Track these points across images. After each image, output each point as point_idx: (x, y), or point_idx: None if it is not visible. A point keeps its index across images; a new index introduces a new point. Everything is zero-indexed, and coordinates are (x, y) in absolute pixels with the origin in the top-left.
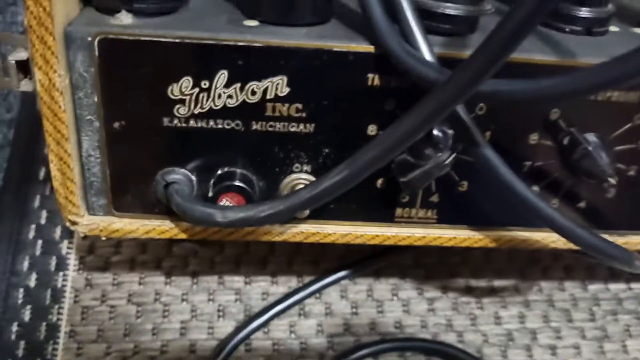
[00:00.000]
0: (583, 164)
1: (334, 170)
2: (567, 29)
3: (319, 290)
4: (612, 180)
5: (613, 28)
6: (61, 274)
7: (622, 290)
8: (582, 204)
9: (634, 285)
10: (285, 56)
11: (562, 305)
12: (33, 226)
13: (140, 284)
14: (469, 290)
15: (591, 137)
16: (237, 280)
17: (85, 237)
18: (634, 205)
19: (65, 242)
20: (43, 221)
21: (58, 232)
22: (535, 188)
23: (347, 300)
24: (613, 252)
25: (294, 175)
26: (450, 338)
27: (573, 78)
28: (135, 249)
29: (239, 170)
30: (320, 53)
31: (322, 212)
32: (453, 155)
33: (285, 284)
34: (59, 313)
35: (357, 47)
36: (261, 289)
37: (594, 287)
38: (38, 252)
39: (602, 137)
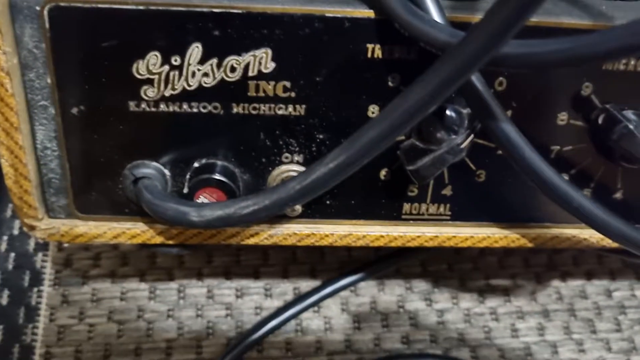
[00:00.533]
0: (622, 146)
1: (328, 156)
2: None
3: (317, 303)
4: None
5: None
6: (35, 290)
7: None
8: (619, 195)
9: None
10: (268, 24)
11: (584, 315)
12: (5, 238)
13: (121, 299)
14: (482, 300)
15: (630, 114)
16: (227, 294)
17: (61, 249)
18: None
19: (39, 255)
20: (16, 232)
21: (32, 244)
22: (565, 176)
23: (349, 314)
24: None
25: (283, 167)
26: (463, 354)
27: (616, 32)
28: (116, 260)
29: (219, 162)
30: (310, 20)
31: (317, 209)
32: (470, 138)
33: (281, 296)
34: (33, 333)
35: (354, 11)
36: (254, 302)
37: (619, 294)
38: (10, 266)
39: None
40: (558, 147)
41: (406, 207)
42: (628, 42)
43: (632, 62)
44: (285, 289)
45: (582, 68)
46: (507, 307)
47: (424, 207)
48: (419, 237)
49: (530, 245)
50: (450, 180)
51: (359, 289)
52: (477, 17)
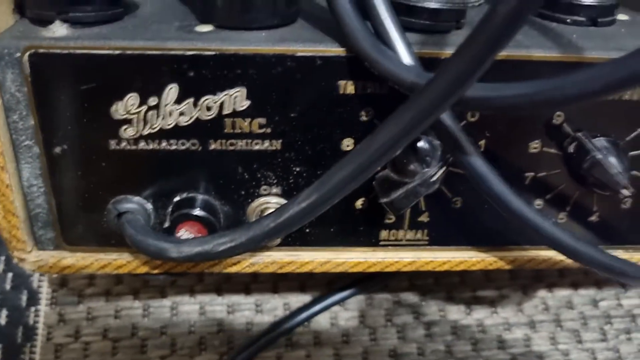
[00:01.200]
0: (593, 174)
1: (301, 194)
2: (568, 20)
3: (307, 319)
4: (627, 191)
5: (621, 16)
6: (33, 309)
7: (636, 306)
8: (593, 218)
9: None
10: (242, 64)
11: (570, 325)
12: (2, 258)
13: (116, 317)
14: (469, 313)
15: (601, 142)
16: (219, 310)
17: None
18: None
19: (36, 275)
20: None
21: None
22: (540, 202)
23: (338, 328)
24: (627, 270)
25: (262, 199)
26: None
27: (579, 78)
28: (110, 279)
29: (199, 196)
30: (283, 59)
31: (297, 237)
32: (442, 170)
33: (271, 312)
34: (31, 352)
35: (325, 50)
36: (245, 318)
37: (605, 304)
38: (8, 286)
39: (613, 142)
40: (532, 174)
41: (384, 233)
42: (589, 89)
43: None
44: (275, 304)
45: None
46: (494, 318)
47: (401, 233)
48: (396, 262)
49: (507, 267)
50: (428, 208)
51: (348, 303)
52: (447, 52)
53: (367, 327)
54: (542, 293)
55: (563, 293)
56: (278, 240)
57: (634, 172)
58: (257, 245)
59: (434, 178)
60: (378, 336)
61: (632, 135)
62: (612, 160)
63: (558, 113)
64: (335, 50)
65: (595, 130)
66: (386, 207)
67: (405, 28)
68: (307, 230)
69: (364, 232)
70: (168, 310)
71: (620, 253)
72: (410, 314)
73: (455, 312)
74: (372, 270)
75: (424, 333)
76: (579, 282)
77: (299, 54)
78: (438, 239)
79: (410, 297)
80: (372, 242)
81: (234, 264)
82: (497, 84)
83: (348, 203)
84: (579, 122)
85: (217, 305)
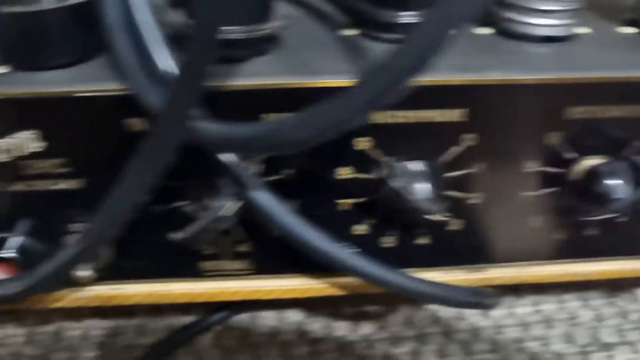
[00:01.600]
0: (396, 201)
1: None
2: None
3: (188, 339)
4: (437, 216)
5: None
6: None
7: (528, 314)
8: (423, 240)
9: (542, 306)
10: (32, 107)
11: (461, 337)
12: None
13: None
14: (354, 328)
15: (407, 167)
16: (100, 335)
17: None
18: (479, 236)
19: None
20: None
21: None
22: (363, 227)
23: (220, 349)
24: (444, 295)
25: (75, 235)
26: None
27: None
28: (21, 338)
29: (10, 237)
30: (70, 100)
31: (119, 271)
32: (238, 205)
33: (154, 334)
34: None
35: (107, 88)
36: (127, 341)
37: (496, 313)
38: None
39: (425, 166)
40: (341, 201)
41: (206, 264)
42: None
43: (411, 114)
44: (158, 326)
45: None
46: (382, 333)
47: (226, 264)
48: (222, 292)
49: (341, 292)
50: (249, 237)
51: (231, 322)
52: (239, 83)
53: (250, 345)
54: (434, 305)
55: None
56: (90, 278)
57: (455, 193)
58: (45, 288)
59: (227, 213)
60: (261, 354)
61: (445, 156)
62: (417, 186)
63: (365, 138)
64: (116, 88)
65: (406, 155)
66: (182, 242)
67: None
68: (126, 264)
69: (185, 264)
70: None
71: (461, 274)
72: (296, 330)
73: (343, 328)
74: (199, 300)
75: (307, 350)
76: None
77: (82, 94)
78: (264, 268)
79: (296, 314)
80: (195, 273)
81: (57, 299)
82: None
83: (160, 236)
84: (389, 147)
85: (99, 330)
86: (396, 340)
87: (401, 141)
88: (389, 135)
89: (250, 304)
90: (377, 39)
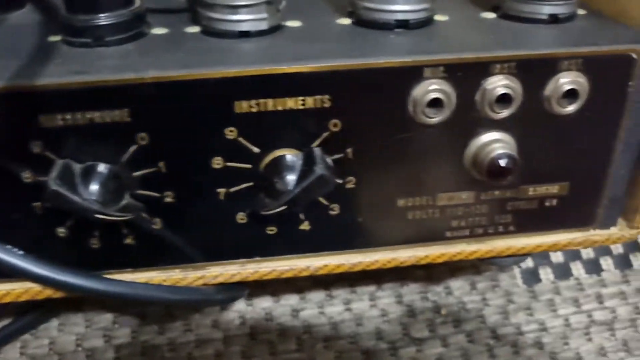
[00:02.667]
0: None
1: None
2: None
3: None
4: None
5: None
6: None
7: (338, 313)
8: (130, 241)
9: (353, 305)
10: None
11: (266, 337)
12: None
13: None
14: (162, 332)
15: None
16: None
17: None
18: (180, 236)
19: None
20: None
21: None
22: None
23: (28, 357)
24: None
25: None
26: None
27: None
28: None
29: None
30: None
31: None
32: None
33: None
34: None
35: None
36: None
37: (306, 313)
38: None
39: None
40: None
41: None
42: None
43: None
44: None
45: None
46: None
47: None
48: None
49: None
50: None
51: (40, 330)
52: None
53: (57, 353)
54: (241, 306)
55: (263, 305)
56: None
57: (145, 192)
58: None
59: None
60: None
61: (126, 156)
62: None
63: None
64: None
65: (87, 156)
66: None
67: None
68: None
69: None
70: None
71: (178, 273)
72: (102, 338)
73: (148, 333)
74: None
75: (113, 356)
76: (278, 291)
77: None
78: None
79: (104, 319)
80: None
81: None
82: None
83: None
84: (63, 148)
85: None
86: (202, 342)
87: (76, 143)
88: (61, 136)
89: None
90: (72, 44)
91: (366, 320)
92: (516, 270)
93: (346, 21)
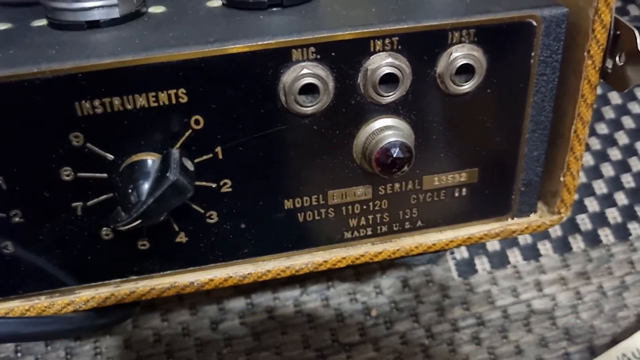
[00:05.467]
0: None
1: None
2: None
3: None
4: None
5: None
6: None
7: (260, 322)
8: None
9: (277, 312)
10: None
11: (184, 355)
12: None
13: None
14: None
15: None
16: None
17: None
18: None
19: None
20: None
21: None
22: None
23: None
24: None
25: None
26: None
27: None
28: None
29: None
30: None
31: None
32: None
33: None
34: None
35: None
36: None
37: (228, 325)
38: None
39: None
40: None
41: None
42: None
43: None
44: None
45: None
46: None
47: None
48: None
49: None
50: None
51: None
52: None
53: None
54: (156, 323)
55: (179, 319)
56: None
57: None
58: None
59: None
60: None
61: None
62: None
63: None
64: None
65: None
66: None
67: None
68: None
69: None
70: None
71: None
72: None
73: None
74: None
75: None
76: (196, 303)
77: None
78: None
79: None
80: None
81: None
82: None
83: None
84: None
85: None
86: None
87: None
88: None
89: None
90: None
91: (291, 329)
92: (451, 262)
93: (216, 3)
